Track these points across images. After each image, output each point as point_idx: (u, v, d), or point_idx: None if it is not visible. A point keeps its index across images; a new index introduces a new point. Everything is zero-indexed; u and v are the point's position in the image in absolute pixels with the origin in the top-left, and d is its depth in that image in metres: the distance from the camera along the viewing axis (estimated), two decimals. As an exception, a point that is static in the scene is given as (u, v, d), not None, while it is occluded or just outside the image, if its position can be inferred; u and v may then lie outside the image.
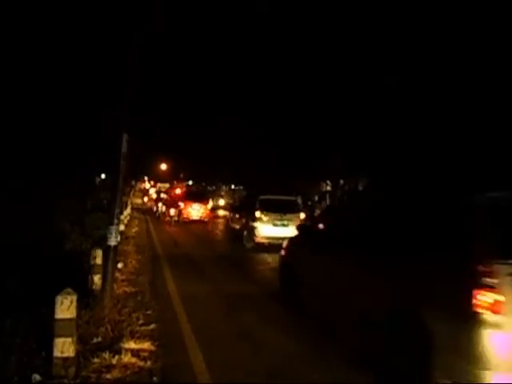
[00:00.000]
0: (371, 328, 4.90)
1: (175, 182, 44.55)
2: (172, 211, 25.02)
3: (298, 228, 8.10)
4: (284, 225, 14.43)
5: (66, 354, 4.14)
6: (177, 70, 22.09)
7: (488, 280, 3.83)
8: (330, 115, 19.51)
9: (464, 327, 3.89)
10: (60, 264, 8.02)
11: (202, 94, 26.11)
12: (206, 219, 25.37)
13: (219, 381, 4.49)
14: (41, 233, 10.82)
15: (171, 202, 26.88)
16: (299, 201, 18.27)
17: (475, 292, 3.86)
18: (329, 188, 31.12)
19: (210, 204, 27.60)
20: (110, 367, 4.49)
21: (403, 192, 5.75)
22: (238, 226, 16.82)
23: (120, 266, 8.94)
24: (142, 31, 6.68)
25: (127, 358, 4.70)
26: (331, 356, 5.20)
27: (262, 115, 23.48)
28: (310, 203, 27.84)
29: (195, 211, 25.31)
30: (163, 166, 53.26)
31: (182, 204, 25.38)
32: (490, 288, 3.81)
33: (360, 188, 23.31)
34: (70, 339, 4.17)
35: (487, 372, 3.72)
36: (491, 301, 3.79)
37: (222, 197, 38.71)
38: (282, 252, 8.01)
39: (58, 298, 4.18)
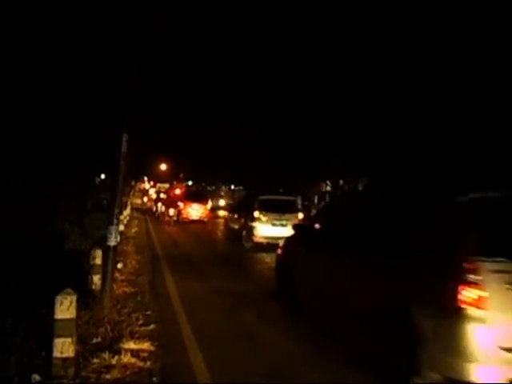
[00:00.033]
0: (368, 327, 4.94)
1: (175, 183, 44.43)
2: (171, 211, 24.95)
3: (295, 227, 8.10)
4: (282, 225, 14.41)
5: (65, 355, 4.14)
6: (177, 70, 22.07)
7: (472, 277, 3.97)
8: (330, 115, 19.51)
9: (450, 322, 4.04)
10: (60, 264, 8.03)
11: (202, 94, 26.07)
12: (205, 219, 25.29)
13: (219, 381, 4.49)
14: (41, 233, 10.84)
15: (171, 202, 26.83)
16: (299, 201, 18.26)
17: (460, 288, 4.00)
18: (329, 188, 31.13)
19: (210, 204, 27.53)
20: (109, 367, 4.49)
21: (396, 192, 5.86)
22: (236, 226, 16.81)
23: (120, 266, 8.95)
24: (142, 31, 6.69)
25: (127, 359, 4.70)
26: (331, 356, 5.20)
27: (262, 115, 23.46)
28: (305, 203, 27.83)
29: (195, 211, 25.25)
30: (163, 166, 53.18)
31: (181, 204, 25.32)
32: (475, 284, 3.95)
33: (360, 188, 23.30)
34: (69, 339, 4.17)
35: (471, 364, 3.87)
36: (475, 297, 3.93)
37: (221, 197, 38.60)
38: (279, 251, 8.03)
39: (58, 298, 4.18)
